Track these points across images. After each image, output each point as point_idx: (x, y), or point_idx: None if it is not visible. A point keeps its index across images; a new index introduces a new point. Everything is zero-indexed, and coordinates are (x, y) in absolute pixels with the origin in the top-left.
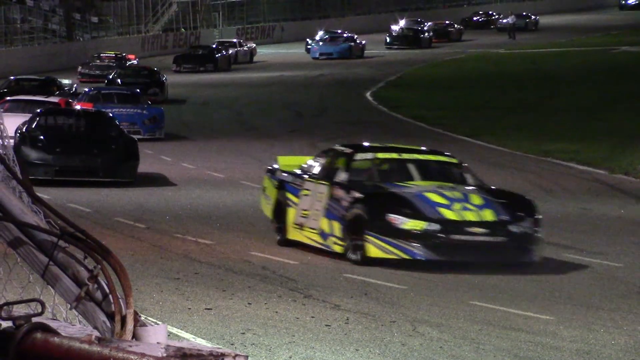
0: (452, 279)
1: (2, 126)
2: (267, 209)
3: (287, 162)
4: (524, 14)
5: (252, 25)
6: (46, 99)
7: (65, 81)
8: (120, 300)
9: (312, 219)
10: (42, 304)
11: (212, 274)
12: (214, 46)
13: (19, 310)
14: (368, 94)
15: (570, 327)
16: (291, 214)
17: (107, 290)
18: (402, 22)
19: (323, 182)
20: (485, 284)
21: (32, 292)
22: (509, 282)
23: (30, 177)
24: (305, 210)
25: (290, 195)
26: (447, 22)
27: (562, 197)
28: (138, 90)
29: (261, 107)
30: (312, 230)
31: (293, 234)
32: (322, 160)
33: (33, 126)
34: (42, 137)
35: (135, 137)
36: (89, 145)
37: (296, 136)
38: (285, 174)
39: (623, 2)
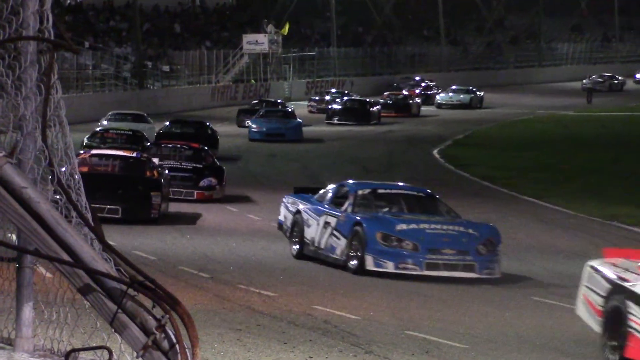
0: (514, 339)
1: (77, 174)
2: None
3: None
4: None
5: (321, 79)
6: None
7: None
8: (187, 350)
9: None
10: (110, 352)
11: (274, 326)
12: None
13: (86, 357)
14: (435, 152)
15: None
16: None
17: (174, 340)
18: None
19: None
20: (548, 347)
21: (98, 338)
22: (571, 346)
23: None
24: None
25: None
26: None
27: None
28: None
29: (329, 161)
30: None
31: None
32: None
33: None
34: None
35: (467, 274)
36: None
37: None
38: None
39: None
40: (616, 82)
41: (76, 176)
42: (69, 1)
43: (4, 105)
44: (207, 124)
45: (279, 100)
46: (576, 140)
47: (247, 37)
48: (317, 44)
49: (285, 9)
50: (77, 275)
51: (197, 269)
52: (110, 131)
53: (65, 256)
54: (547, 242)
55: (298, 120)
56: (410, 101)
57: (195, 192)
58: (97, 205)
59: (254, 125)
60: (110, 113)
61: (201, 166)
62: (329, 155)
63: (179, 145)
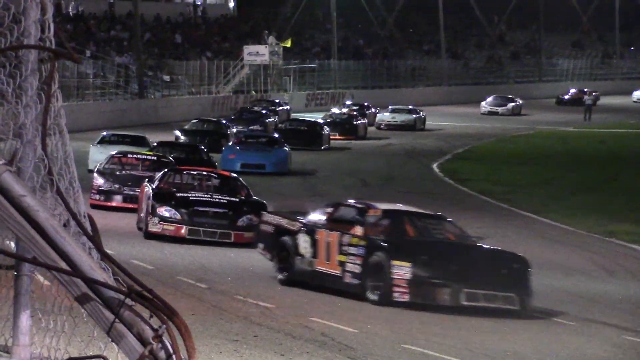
0: (511, 354)
1: (75, 182)
2: None
3: None
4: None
5: (322, 91)
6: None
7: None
8: None
9: None
10: None
11: (271, 337)
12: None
13: None
14: (435, 166)
15: None
16: None
17: (171, 351)
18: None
19: None
20: None
21: (95, 347)
22: None
23: None
24: None
25: None
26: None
27: (624, 279)
28: None
29: (327, 174)
30: None
31: None
32: None
33: None
34: None
35: None
36: None
37: None
38: None
39: None
40: (518, 105)
41: (75, 183)
42: (70, 10)
43: (4, 113)
44: (202, 147)
45: (223, 121)
46: (575, 156)
47: (248, 48)
48: (317, 56)
49: (287, 21)
50: (75, 284)
51: (195, 279)
52: (129, 155)
53: (63, 265)
54: (545, 258)
55: (284, 148)
56: (357, 122)
57: (232, 233)
58: (491, 292)
59: (228, 153)
60: (104, 134)
61: (238, 200)
62: (328, 168)
63: (204, 173)
